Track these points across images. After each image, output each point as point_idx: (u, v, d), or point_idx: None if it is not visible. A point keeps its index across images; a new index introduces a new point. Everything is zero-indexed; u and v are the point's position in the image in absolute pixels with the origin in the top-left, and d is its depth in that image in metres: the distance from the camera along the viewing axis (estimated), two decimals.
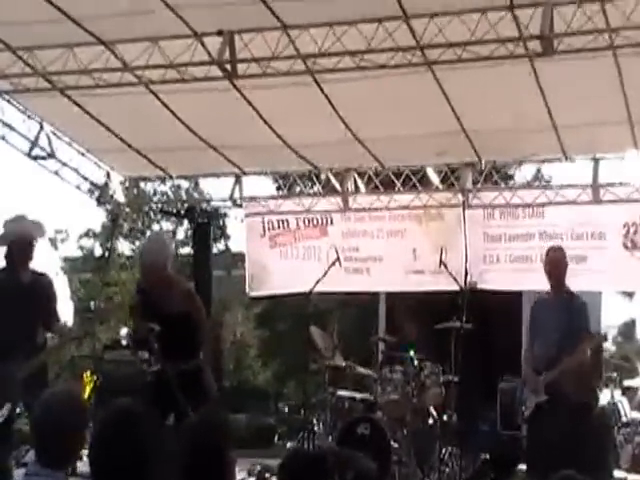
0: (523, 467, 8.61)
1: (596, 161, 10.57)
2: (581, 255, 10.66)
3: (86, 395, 12.69)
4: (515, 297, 11.15)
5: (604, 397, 10.82)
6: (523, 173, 15.61)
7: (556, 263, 7.84)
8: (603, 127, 9.55)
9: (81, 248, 23.39)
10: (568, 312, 7.58)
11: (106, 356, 11.45)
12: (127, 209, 12.86)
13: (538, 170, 15.07)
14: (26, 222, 7.47)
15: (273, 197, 12.56)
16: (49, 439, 3.64)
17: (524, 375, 7.82)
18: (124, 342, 12.80)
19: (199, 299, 7.47)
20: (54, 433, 3.64)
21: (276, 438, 15.13)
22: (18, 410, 6.87)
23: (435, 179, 11.23)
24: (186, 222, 15.88)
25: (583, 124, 9.53)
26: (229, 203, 12.22)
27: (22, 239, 7.34)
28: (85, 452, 3.63)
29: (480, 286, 10.49)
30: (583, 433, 7.45)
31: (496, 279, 11.08)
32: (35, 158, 11.14)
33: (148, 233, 11.73)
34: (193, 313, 7.24)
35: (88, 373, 12.94)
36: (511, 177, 15.19)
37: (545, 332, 7.66)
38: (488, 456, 9.80)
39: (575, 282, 10.54)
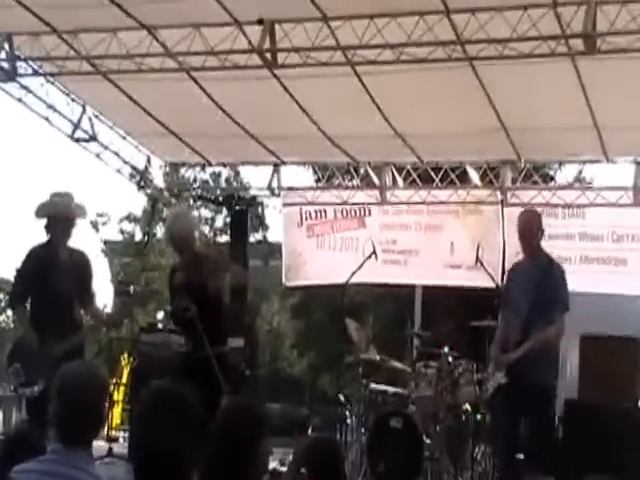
0: None
1: (638, 164, 10.46)
2: (621, 258, 10.57)
3: (124, 377, 12.86)
4: None
5: None
6: (564, 174, 15.48)
7: (524, 225, 7.47)
8: None
9: (122, 232, 23.67)
10: (540, 279, 7.17)
11: (142, 338, 11.57)
12: (166, 194, 12.93)
13: (580, 172, 14.94)
14: (69, 199, 7.53)
15: (311, 188, 12.60)
16: (71, 415, 3.62)
17: (492, 352, 7.51)
18: (160, 325, 12.90)
19: (229, 264, 7.42)
20: (76, 409, 3.61)
21: (309, 429, 15.17)
22: None
23: (474, 177, 11.18)
24: (225, 210, 15.96)
25: (626, 125, 9.39)
26: (267, 192, 12.26)
27: (63, 215, 7.40)
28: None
29: None
30: (541, 417, 7.27)
31: None
32: (77, 140, 11.26)
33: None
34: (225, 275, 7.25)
35: (125, 355, 13.08)
36: (552, 178, 15.04)
37: (515, 300, 7.31)
38: (522, 456, 9.74)
39: (615, 285, 10.55)
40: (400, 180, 11.49)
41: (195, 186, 15.72)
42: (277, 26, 7.96)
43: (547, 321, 7.12)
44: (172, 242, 7.70)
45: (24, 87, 10.29)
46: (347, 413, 9.17)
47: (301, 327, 22.01)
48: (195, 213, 21.38)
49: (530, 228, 7.46)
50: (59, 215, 7.37)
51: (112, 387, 11.86)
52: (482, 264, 9.08)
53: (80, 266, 7.55)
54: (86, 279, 7.60)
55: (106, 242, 23.82)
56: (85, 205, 7.71)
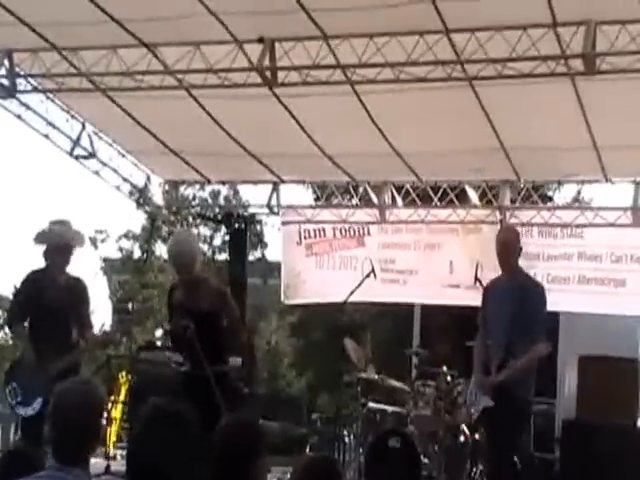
0: None
1: (637, 184, 10.47)
2: (620, 278, 10.56)
3: (122, 395, 12.83)
4: (551, 317, 11.00)
5: None
6: (563, 194, 15.52)
7: (504, 242, 7.44)
8: None
9: (120, 249, 23.69)
10: (520, 298, 7.11)
11: (141, 356, 11.56)
12: (165, 212, 12.94)
13: (578, 192, 14.96)
14: (68, 228, 7.60)
15: (310, 206, 12.60)
16: (66, 434, 3.61)
17: (473, 374, 7.52)
18: (159, 343, 12.88)
19: (231, 298, 7.48)
20: (71, 428, 3.60)
21: (308, 448, 15.11)
22: None
23: (473, 196, 11.18)
24: (223, 228, 15.98)
25: (625, 146, 9.40)
26: (266, 210, 12.26)
27: (61, 245, 7.47)
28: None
29: None
30: (522, 433, 7.27)
31: None
32: (77, 157, 11.26)
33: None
34: (224, 312, 7.27)
35: (124, 373, 13.06)
36: (550, 199, 15.06)
37: (496, 319, 7.25)
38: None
39: (613, 306, 10.54)
40: (399, 199, 11.49)
41: (194, 204, 15.70)
42: (277, 44, 7.96)
43: (529, 340, 7.05)
44: (173, 264, 7.70)
45: (24, 104, 10.30)
46: (345, 432, 9.15)
47: (300, 345, 21.97)
48: (194, 231, 21.43)
49: (509, 245, 7.43)
50: (57, 244, 7.44)
51: (110, 405, 11.84)
52: (481, 283, 9.06)
53: (76, 292, 7.63)
54: (83, 306, 7.67)
55: (105, 259, 23.85)
56: (83, 233, 7.82)
